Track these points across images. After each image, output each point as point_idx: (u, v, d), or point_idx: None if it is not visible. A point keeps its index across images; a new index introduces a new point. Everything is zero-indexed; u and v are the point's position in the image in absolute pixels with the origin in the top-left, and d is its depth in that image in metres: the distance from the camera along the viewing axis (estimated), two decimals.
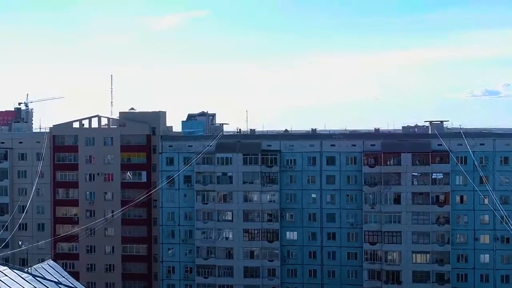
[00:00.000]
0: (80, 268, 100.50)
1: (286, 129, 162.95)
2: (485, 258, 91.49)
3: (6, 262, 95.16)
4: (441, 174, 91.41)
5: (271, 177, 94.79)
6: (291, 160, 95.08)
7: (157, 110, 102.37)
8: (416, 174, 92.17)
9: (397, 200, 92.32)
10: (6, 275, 42.24)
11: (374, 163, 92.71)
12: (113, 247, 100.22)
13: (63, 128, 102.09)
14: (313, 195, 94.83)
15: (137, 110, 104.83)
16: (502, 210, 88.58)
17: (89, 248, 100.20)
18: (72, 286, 46.08)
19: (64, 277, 47.14)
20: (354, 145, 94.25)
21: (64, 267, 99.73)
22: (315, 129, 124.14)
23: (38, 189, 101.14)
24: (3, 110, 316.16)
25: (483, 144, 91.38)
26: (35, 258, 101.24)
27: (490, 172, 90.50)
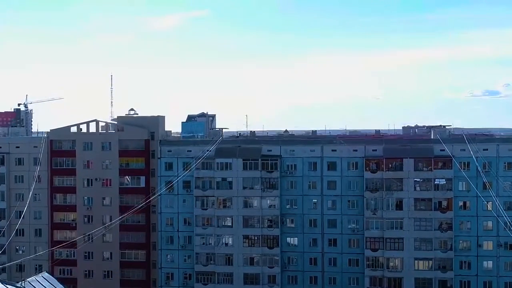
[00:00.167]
0: (78, 275, 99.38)
1: (286, 130, 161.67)
2: (489, 265, 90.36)
3: (2, 269, 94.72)
4: (444, 179, 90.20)
5: (271, 183, 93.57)
6: (291, 165, 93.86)
7: (157, 110, 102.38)
8: (418, 179, 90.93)
9: (399, 206, 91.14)
10: None
11: (376, 168, 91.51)
12: (111, 253, 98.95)
13: (61, 133, 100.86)
14: (314, 201, 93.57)
15: (137, 110, 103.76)
16: (505, 216, 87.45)
17: (87, 254, 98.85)
18: None
19: None
20: (356, 150, 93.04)
21: (62, 273, 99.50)
22: (315, 131, 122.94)
23: (36, 195, 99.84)
24: (2, 111, 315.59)
25: (487, 149, 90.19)
26: (32, 264, 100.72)
27: (493, 177, 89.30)
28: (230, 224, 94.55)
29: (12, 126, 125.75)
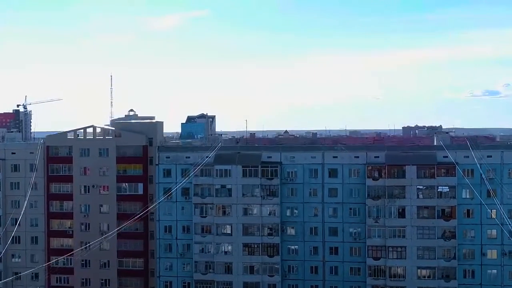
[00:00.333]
0: (75, 283, 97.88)
1: (286, 131, 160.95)
2: (493, 273, 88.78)
3: None
4: (447, 187, 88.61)
5: (271, 190, 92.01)
6: (292, 172, 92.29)
7: (156, 110, 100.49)
8: (421, 187, 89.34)
9: (401, 214, 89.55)
10: None
11: (378, 175, 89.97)
12: (108, 261, 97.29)
13: (57, 139, 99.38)
14: (315, 208, 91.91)
15: (137, 111, 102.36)
16: (510, 225, 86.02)
17: (84, 262, 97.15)
18: None
19: None
20: (357, 157, 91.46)
21: (58, 282, 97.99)
22: (316, 133, 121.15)
23: (32, 202, 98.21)
24: (2, 112, 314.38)
25: (491, 156, 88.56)
26: (28, 272, 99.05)
27: (497, 185, 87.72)
28: (230, 232, 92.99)
29: (8, 132, 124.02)
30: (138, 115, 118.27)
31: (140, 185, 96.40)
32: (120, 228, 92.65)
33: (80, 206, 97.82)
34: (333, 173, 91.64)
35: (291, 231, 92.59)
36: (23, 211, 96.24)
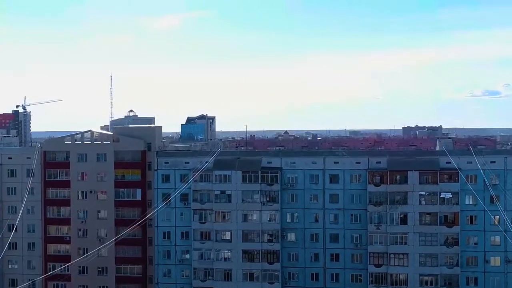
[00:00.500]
0: None
1: (286, 131, 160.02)
2: (496, 281, 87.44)
3: None
4: (450, 193, 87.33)
5: (271, 196, 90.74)
6: (292, 177, 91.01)
7: (156, 110, 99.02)
8: (423, 193, 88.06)
9: (403, 220, 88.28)
10: None
11: (380, 181, 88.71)
12: (106, 268, 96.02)
13: (54, 144, 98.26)
14: (316, 215, 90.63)
15: (136, 111, 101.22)
16: None
17: (81, 269, 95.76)
18: None
19: None
20: (359, 162, 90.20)
21: None
22: (316, 134, 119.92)
23: (29, 207, 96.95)
24: (1, 113, 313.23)
25: (494, 162, 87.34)
26: (25, 278, 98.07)
27: (501, 191, 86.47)
28: (229, 238, 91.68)
29: (4, 136, 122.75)
30: (138, 116, 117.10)
31: (139, 191, 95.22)
32: (120, 236, 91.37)
33: (77, 212, 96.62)
34: (334, 178, 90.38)
35: (291, 237, 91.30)
36: (19, 217, 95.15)
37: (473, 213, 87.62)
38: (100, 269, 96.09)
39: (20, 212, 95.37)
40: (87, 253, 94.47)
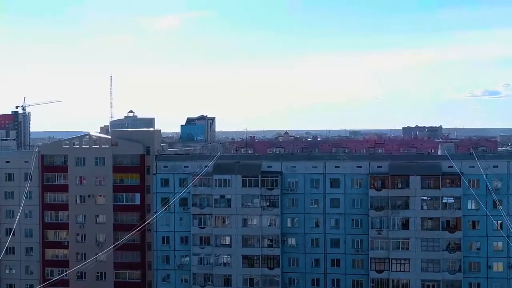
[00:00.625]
0: None
1: (286, 131, 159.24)
2: (499, 287, 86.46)
3: None
4: (452, 198, 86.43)
5: (271, 200, 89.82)
6: (292, 182, 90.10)
7: (156, 111, 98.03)
8: (425, 198, 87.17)
9: (405, 225, 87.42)
10: None
11: (381, 186, 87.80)
12: (104, 273, 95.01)
13: (52, 147, 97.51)
14: (316, 219, 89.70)
15: (136, 112, 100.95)
16: None
17: (79, 274, 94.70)
18: None
19: None
20: (360, 167, 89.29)
21: None
22: (316, 136, 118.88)
23: (26, 211, 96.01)
24: (0, 114, 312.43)
25: (497, 166, 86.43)
26: (23, 283, 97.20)
27: (504, 196, 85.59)
28: (229, 243, 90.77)
29: (2, 140, 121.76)
30: (138, 116, 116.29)
31: (137, 195, 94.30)
32: (119, 243, 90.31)
33: (75, 217, 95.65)
34: (335, 183, 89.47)
35: (292, 242, 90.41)
36: (17, 221, 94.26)
37: (475, 218, 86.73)
38: (99, 274, 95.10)
39: (18, 216, 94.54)
40: (85, 258, 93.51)
